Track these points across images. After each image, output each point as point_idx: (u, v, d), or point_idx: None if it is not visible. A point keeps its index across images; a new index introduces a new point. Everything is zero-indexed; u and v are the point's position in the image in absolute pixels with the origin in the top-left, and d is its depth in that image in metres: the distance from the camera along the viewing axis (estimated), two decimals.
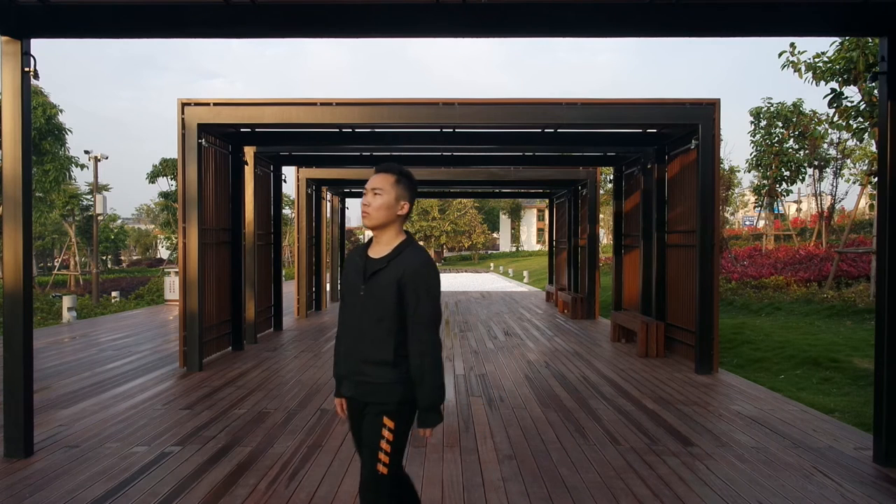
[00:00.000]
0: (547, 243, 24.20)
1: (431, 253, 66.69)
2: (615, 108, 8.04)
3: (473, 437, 5.02)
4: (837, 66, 9.01)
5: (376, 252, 2.56)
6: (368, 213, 2.51)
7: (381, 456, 2.49)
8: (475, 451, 4.68)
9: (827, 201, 21.26)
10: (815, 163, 20.86)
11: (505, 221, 71.18)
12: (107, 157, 27.65)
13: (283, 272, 18.83)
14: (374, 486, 2.52)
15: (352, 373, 2.55)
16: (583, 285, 14.08)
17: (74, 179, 30.14)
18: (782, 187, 20.40)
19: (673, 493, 3.88)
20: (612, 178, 12.35)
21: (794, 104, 19.49)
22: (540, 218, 67.80)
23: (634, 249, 10.71)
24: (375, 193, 2.51)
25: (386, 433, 2.49)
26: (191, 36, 4.81)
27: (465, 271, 47.31)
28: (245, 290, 9.77)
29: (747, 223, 33.66)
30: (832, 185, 21.27)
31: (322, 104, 7.91)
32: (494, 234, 72.58)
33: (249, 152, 9.95)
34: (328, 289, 17.14)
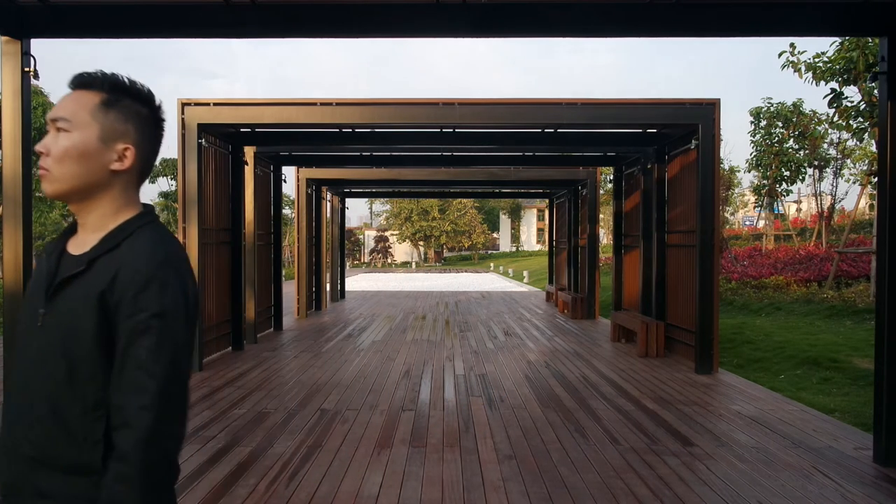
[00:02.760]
0: (547, 243, 24.22)
1: (431, 253, 66.47)
2: (615, 108, 8.04)
3: (473, 437, 5.02)
4: (837, 66, 9.02)
5: (78, 244, 1.36)
6: (48, 169, 1.31)
7: None
8: (475, 451, 4.68)
9: (827, 201, 21.26)
10: (815, 163, 20.86)
11: (505, 221, 71.16)
12: None
13: (283, 272, 18.83)
14: None
15: (15, 486, 1.30)
16: (583, 285, 14.08)
17: None
18: (782, 187, 20.40)
19: (673, 493, 3.88)
20: (612, 178, 12.36)
21: (794, 104, 19.50)
22: (540, 218, 67.79)
23: (634, 249, 10.71)
24: (59, 129, 1.32)
25: None
26: (191, 36, 4.82)
27: (465, 271, 47.31)
28: (245, 289, 9.77)
29: (747, 223, 33.66)
30: (832, 185, 21.28)
31: (322, 104, 7.91)
32: (494, 234, 72.55)
33: (249, 152, 9.95)
34: (328, 289, 17.13)
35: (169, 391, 1.23)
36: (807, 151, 20.21)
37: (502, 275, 39.18)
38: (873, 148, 16.55)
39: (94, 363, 1.26)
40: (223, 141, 9.05)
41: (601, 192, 19.00)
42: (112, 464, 1.22)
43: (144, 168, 1.41)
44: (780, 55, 9.68)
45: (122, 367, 1.24)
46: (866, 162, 18.16)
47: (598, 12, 4.61)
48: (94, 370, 1.26)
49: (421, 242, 63.28)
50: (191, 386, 7.08)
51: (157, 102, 1.40)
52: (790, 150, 19.88)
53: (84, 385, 1.27)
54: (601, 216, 23.83)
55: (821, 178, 21.22)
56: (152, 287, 1.24)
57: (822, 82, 9.28)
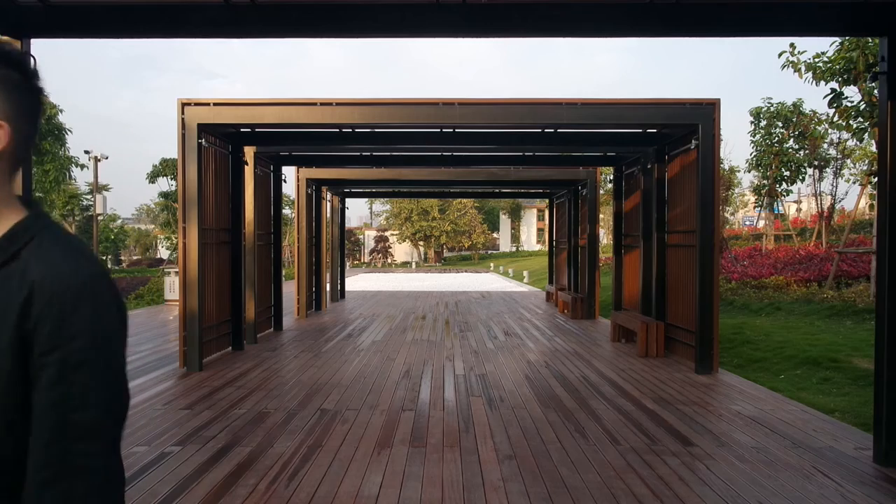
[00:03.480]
0: (547, 243, 24.23)
1: (431, 253, 66.42)
2: (615, 108, 8.05)
3: (473, 437, 5.02)
4: (837, 66, 9.02)
5: None
6: None
7: None
8: (475, 451, 4.68)
9: (827, 201, 21.25)
10: (815, 163, 20.86)
11: (505, 221, 71.16)
12: (107, 157, 27.72)
13: (283, 272, 18.82)
14: None
15: None
16: (583, 285, 14.08)
17: (74, 179, 30.27)
18: (782, 187, 20.41)
19: (673, 493, 3.88)
20: (612, 178, 12.35)
21: (794, 104, 19.51)
22: (540, 218, 67.78)
23: (634, 249, 10.71)
24: None
25: None
26: (191, 36, 4.82)
27: (465, 271, 47.30)
28: (245, 290, 9.77)
29: (747, 223, 33.65)
30: (832, 185, 21.27)
31: (322, 104, 7.91)
32: (494, 234, 72.54)
33: (249, 152, 9.95)
34: (328, 289, 17.13)
35: (113, 436, 0.98)
36: (807, 151, 20.21)
37: (502, 275, 39.17)
38: (873, 148, 16.55)
39: (12, 411, 0.95)
40: (223, 141, 9.05)
41: (601, 192, 19.00)
42: None
43: (21, 151, 1.05)
44: (780, 55, 9.68)
45: (48, 409, 0.94)
46: (866, 162, 18.16)
47: (598, 12, 4.61)
48: (13, 419, 0.96)
49: (421, 242, 63.26)
50: (192, 386, 7.09)
51: (32, 66, 1.07)
52: (790, 150, 19.89)
53: (2, 440, 0.96)
54: (601, 216, 23.83)
55: (821, 178, 21.21)
56: (83, 310, 0.96)
57: (822, 82, 9.27)
